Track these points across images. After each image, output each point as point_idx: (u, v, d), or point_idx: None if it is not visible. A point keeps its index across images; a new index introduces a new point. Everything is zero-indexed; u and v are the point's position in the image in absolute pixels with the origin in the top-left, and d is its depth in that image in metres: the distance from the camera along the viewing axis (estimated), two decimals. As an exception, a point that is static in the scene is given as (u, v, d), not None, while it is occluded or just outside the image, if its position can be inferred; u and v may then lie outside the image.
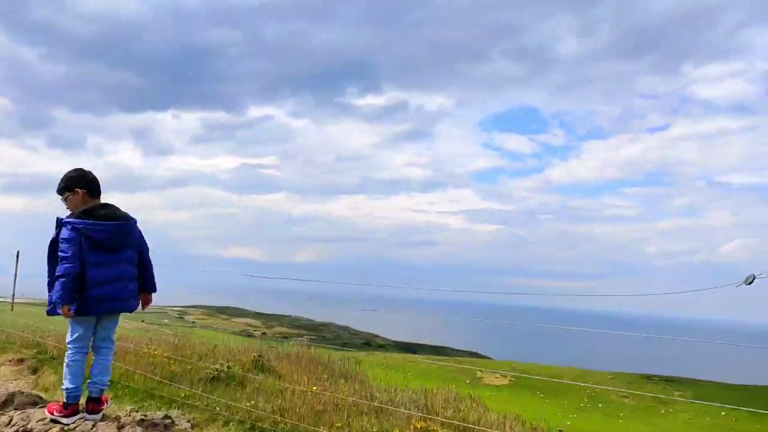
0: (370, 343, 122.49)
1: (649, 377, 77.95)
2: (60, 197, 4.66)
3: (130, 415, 4.79)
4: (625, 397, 67.68)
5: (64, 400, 4.53)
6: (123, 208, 4.59)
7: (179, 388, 5.39)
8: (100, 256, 4.43)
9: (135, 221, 4.68)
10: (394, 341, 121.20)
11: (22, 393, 5.17)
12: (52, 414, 4.57)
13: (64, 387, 4.52)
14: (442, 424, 4.49)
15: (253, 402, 5.00)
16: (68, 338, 4.55)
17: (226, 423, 4.78)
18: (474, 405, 5.34)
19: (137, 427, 4.32)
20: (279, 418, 4.49)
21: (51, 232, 4.46)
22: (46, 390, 6.21)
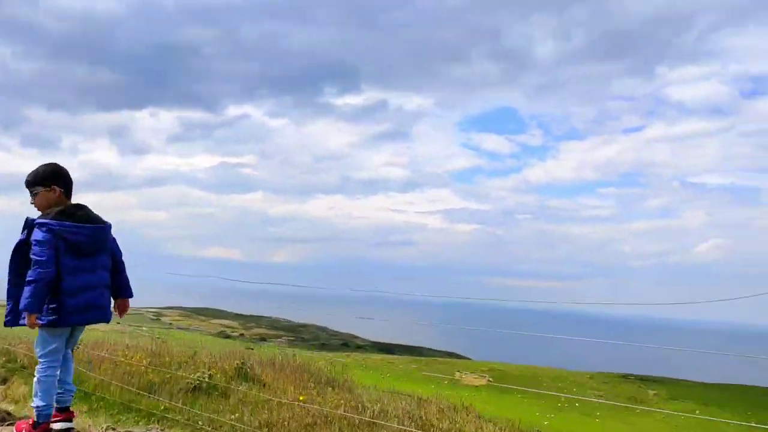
0: (348, 344, 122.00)
1: (625, 376, 79.03)
2: (29, 191, 4.30)
3: (106, 432, 4.54)
4: (600, 395, 68.23)
5: (34, 419, 4.25)
6: (96, 209, 4.29)
7: (158, 400, 5.11)
8: (77, 262, 4.15)
9: (110, 225, 4.42)
10: (373, 342, 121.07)
11: (-11, 407, 4.88)
12: (20, 433, 4.30)
13: (34, 405, 4.23)
14: None
15: (237, 415, 4.75)
16: (39, 351, 4.23)
17: (209, 439, 4.51)
18: (469, 416, 5.16)
19: (114, 445, 4.08)
20: (266, 433, 4.25)
21: (18, 234, 4.14)
22: (16, 402, 5.89)
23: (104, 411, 5.15)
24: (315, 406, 5.09)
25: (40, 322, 3.98)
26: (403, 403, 5.19)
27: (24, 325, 4.05)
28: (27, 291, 3.88)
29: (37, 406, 4.18)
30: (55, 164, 4.35)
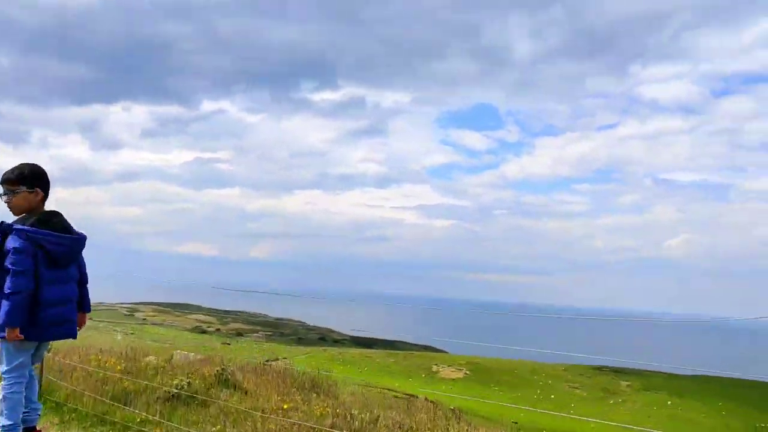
0: (325, 338, 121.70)
1: (599, 368, 79.69)
2: (5, 189, 3.98)
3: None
4: (576, 388, 69.17)
5: (0, 440, 3.99)
6: (68, 205, 4.00)
7: (134, 412, 4.86)
8: (53, 273, 3.89)
9: (86, 237, 4.17)
10: (350, 336, 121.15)
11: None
12: (-15, 455, 4.03)
13: (0, 425, 3.97)
14: None
15: (219, 427, 4.52)
16: (4, 367, 3.95)
17: (189, 455, 4.26)
18: (460, 424, 5.01)
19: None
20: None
21: None
22: (-20, 416, 5.62)
23: (77, 423, 4.86)
24: (302, 423, 4.89)
25: (21, 336, 3.72)
26: (393, 412, 5.01)
27: (2, 337, 3.79)
28: (6, 304, 3.61)
29: (3, 426, 3.91)
30: (36, 165, 4.07)
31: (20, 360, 3.85)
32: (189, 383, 5.48)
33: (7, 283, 3.60)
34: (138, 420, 4.67)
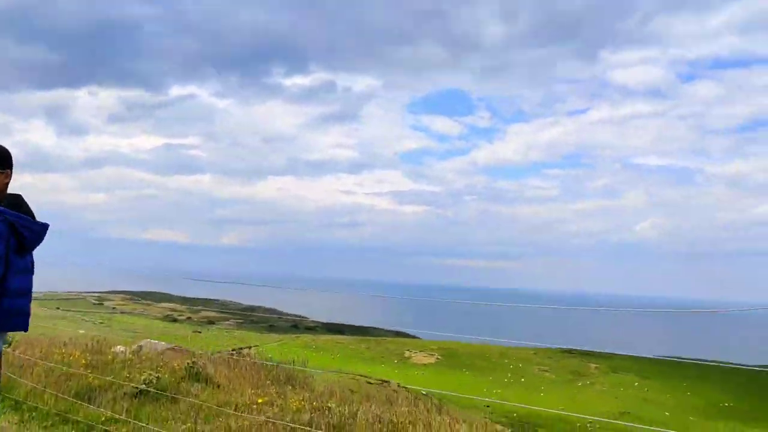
0: (298, 325, 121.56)
1: (568, 351, 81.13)
2: None
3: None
4: (545, 371, 70.30)
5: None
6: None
7: (98, 410, 4.60)
8: (22, 261, 3.61)
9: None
10: (323, 323, 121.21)
11: None
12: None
13: None
14: None
15: (189, 425, 4.31)
16: None
17: (158, 456, 4.02)
18: (441, 416, 4.86)
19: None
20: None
21: None
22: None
23: (37, 423, 4.59)
24: (277, 421, 4.71)
25: None
26: (373, 406, 4.85)
27: None
28: None
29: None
30: (3, 146, 3.76)
31: (-22, 352, 3.59)
32: (158, 378, 5.25)
33: None
34: (103, 419, 4.40)
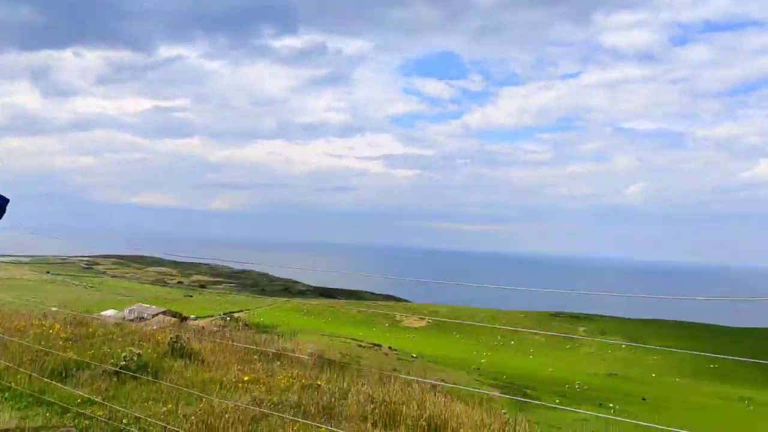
0: (289, 289, 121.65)
1: (557, 314, 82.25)
2: None
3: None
4: (534, 334, 71.30)
5: None
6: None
7: (74, 392, 4.35)
8: None
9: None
10: (314, 287, 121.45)
11: None
12: None
13: None
14: (409, 427, 3.83)
15: (170, 406, 4.12)
16: None
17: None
18: (437, 396, 4.71)
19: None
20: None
21: None
22: None
23: (11, 404, 4.34)
24: (261, 385, 4.53)
25: None
26: (365, 386, 4.68)
27: None
28: None
29: None
30: None
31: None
32: (139, 355, 5.06)
33: None
34: (78, 401, 4.15)
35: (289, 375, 4.85)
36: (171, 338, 5.52)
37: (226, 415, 3.64)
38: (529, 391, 47.43)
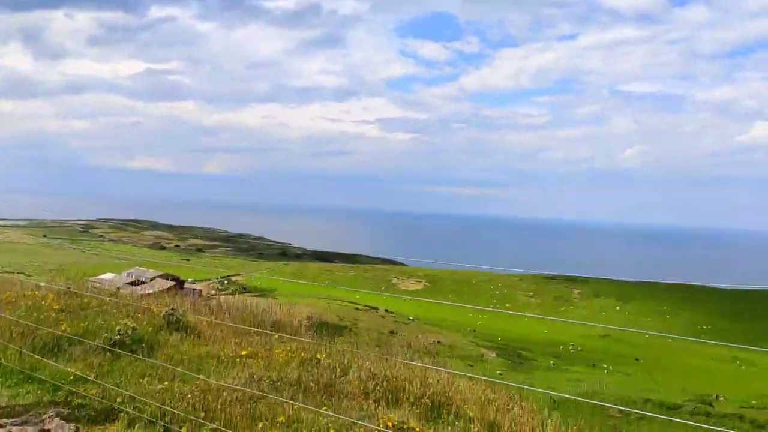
0: (286, 252, 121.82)
1: (552, 277, 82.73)
2: None
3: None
4: (530, 296, 72.23)
5: None
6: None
7: (65, 369, 4.21)
8: None
9: None
10: (311, 251, 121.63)
11: None
12: None
13: None
14: (412, 405, 3.76)
15: (166, 384, 4.01)
16: None
17: (129, 424, 3.60)
18: (441, 375, 4.61)
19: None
20: (202, 419, 3.41)
21: None
22: None
23: (0, 381, 4.23)
24: (260, 359, 4.43)
25: None
26: (367, 362, 4.58)
27: None
28: None
29: None
30: None
31: None
32: (134, 328, 4.94)
33: None
34: (71, 378, 4.04)
35: (288, 349, 4.74)
36: (166, 311, 5.37)
37: (225, 393, 3.55)
38: (524, 353, 48.21)
